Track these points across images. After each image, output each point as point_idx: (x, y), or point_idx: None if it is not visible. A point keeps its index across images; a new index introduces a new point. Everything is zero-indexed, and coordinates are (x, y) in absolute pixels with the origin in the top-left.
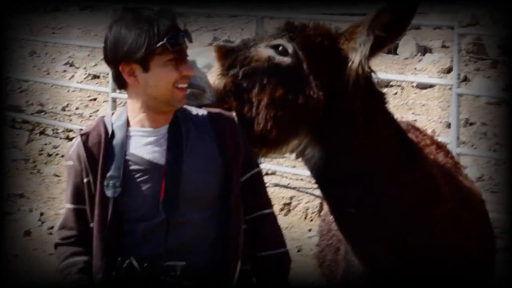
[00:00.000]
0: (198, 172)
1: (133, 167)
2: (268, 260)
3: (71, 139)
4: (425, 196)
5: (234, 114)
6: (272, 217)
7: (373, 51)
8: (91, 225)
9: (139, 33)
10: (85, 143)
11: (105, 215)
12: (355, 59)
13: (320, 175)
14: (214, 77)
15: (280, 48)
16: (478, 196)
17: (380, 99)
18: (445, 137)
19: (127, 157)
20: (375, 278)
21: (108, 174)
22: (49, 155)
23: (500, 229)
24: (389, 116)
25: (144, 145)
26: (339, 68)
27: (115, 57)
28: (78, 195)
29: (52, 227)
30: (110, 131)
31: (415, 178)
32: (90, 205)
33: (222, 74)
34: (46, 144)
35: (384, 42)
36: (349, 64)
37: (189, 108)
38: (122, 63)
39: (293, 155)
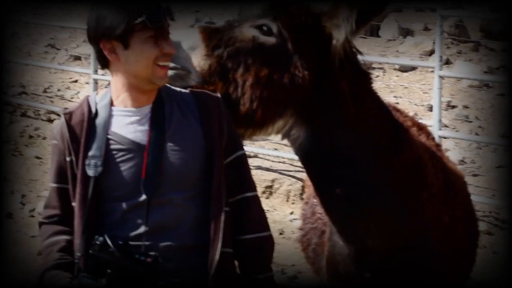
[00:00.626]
0: (180, 153)
1: (115, 146)
2: (251, 243)
3: (53, 121)
4: (413, 178)
5: (219, 95)
6: (256, 200)
7: (357, 27)
8: (73, 204)
9: (119, 10)
10: (68, 122)
11: (86, 194)
12: (339, 36)
13: (306, 155)
14: (199, 57)
15: (265, 28)
16: (461, 178)
17: (366, 78)
18: (427, 120)
19: (109, 137)
20: (360, 260)
21: (90, 154)
22: (31, 137)
23: (482, 212)
24: (376, 96)
25: (127, 125)
26: (324, 46)
27: (96, 35)
28: (61, 174)
29: (33, 210)
30: (94, 111)
31: (403, 160)
32: (73, 184)
33: (207, 55)
34: (27, 126)
35: (367, 16)
36: (334, 42)
37: (174, 88)
38: (103, 40)
39: (276, 137)
